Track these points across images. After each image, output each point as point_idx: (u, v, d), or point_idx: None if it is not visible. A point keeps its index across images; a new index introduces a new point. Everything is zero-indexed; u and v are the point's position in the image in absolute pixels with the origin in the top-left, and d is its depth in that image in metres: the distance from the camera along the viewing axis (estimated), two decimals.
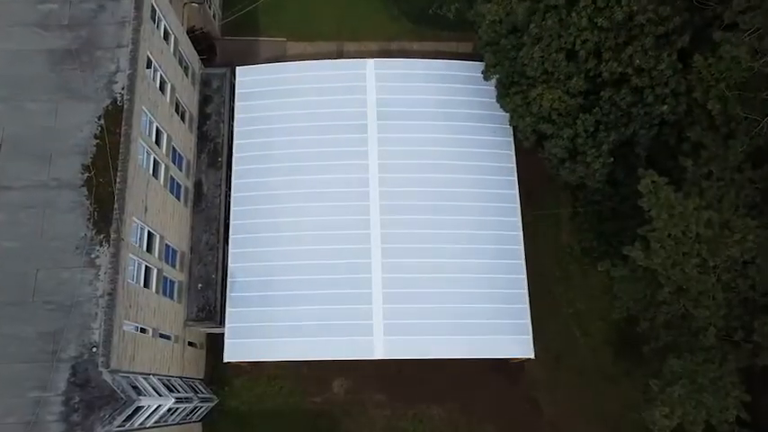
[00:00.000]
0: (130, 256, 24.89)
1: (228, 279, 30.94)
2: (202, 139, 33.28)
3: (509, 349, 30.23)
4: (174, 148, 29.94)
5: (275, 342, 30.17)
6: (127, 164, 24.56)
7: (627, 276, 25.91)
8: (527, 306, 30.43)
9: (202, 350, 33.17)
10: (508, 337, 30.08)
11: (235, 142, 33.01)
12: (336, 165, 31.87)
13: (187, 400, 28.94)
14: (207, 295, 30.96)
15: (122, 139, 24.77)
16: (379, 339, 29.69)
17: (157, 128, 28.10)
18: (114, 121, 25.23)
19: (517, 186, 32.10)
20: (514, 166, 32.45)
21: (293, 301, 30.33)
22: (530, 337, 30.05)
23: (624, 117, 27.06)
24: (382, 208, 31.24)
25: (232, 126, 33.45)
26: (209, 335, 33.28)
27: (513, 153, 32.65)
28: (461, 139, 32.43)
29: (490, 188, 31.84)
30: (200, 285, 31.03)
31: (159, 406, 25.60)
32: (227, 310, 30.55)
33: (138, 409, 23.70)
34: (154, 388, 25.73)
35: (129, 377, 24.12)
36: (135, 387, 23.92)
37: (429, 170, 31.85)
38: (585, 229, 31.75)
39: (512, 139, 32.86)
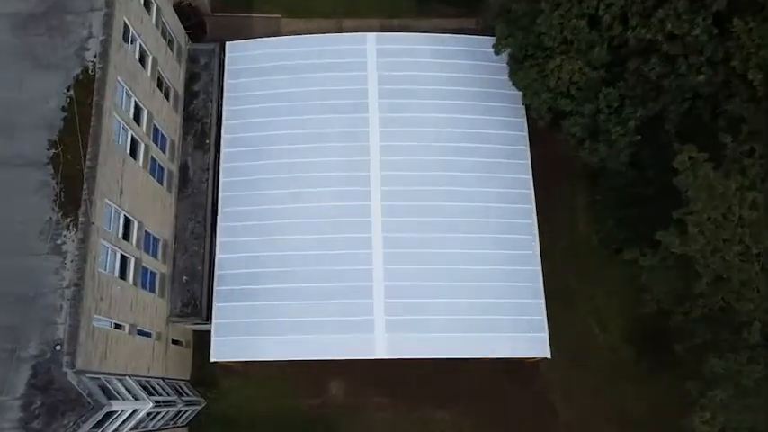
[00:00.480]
0: (102, 242, 21.98)
1: (216, 271, 27.94)
2: (189, 119, 30.34)
3: (523, 348, 27.26)
4: (155, 126, 27.01)
5: (267, 340, 27.19)
6: (98, 139, 21.63)
7: (658, 266, 23.01)
8: (542, 301, 27.51)
9: (189, 349, 30.22)
10: (522, 334, 27.11)
11: (224, 123, 30.05)
12: (334, 147, 28.90)
13: (169, 403, 26.01)
14: (192, 289, 28.02)
15: (93, 110, 21.85)
16: (381, 337, 26.75)
17: (136, 103, 25.16)
18: (85, 91, 22.27)
19: (531, 170, 29.27)
20: (528, 148, 29.58)
21: (287, 295, 27.33)
22: (545, 334, 27.10)
23: (653, 91, 24.18)
24: (384, 194, 28.29)
25: (221, 106, 30.54)
26: (195, 332, 30.31)
27: (526, 134, 29.72)
28: (469, 120, 29.47)
29: (501, 172, 28.89)
30: (184, 278, 28.11)
31: (135, 411, 22.66)
32: (215, 305, 27.54)
33: (110, 414, 20.74)
34: (129, 391, 22.82)
35: (99, 378, 21.20)
36: (106, 390, 21.03)
37: (434, 153, 28.93)
38: (605, 217, 28.77)
39: (524, 119, 29.95)
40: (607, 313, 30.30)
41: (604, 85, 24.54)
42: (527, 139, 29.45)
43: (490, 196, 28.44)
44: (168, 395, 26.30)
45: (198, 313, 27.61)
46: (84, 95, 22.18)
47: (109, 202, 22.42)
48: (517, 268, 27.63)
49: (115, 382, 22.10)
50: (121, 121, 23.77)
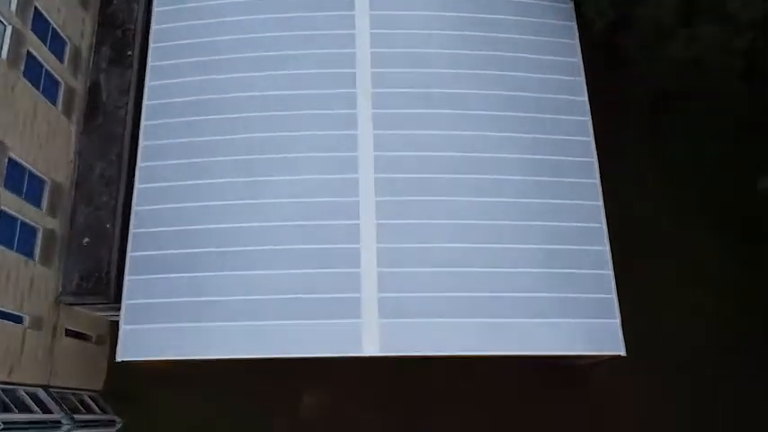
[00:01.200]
0: None
1: (132, 230, 18.70)
2: (106, 24, 21.03)
3: (583, 341, 17.59)
4: (40, 14, 17.77)
5: (205, 330, 17.53)
6: None
7: None
8: (611, 272, 18.10)
9: (102, 346, 20.67)
10: (582, 321, 17.55)
11: (153, 27, 20.74)
12: (307, 55, 19.66)
13: (45, 425, 16.54)
14: (98, 255, 18.58)
15: None
16: (372, 324, 17.29)
17: None
18: None
19: (586, 89, 20.04)
20: (580, 60, 20.30)
21: (234, 262, 17.97)
22: (617, 321, 17.67)
23: None
24: (376, 118, 18.89)
25: (151, 7, 21.46)
26: (113, 323, 20.98)
27: (576, 42, 20.48)
28: (494, 21, 20.34)
29: (546, 91, 19.56)
30: (86, 240, 18.70)
31: None
32: (127, 278, 18.25)
33: None
34: None
35: None
36: None
37: (446, 63, 19.62)
38: (695, 149, 19.62)
39: (574, 23, 20.87)
40: (690, 291, 20.90)
41: None
42: (578, 46, 20.19)
43: (532, 123, 19.09)
44: (50, 412, 16.85)
45: (102, 290, 18.11)
46: None
47: None
48: (574, 225, 18.16)
49: None
50: None
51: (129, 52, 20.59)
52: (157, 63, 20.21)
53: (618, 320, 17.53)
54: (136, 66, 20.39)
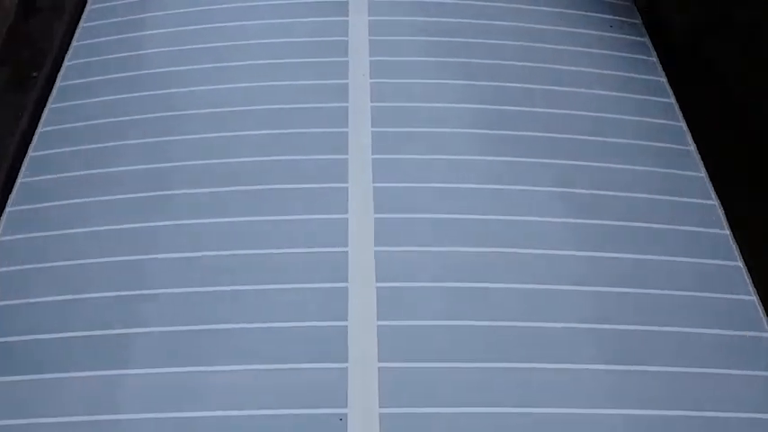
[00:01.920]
0: None
1: None
2: (14, 42, 15.92)
3: None
4: None
5: None
6: None
7: None
8: None
9: None
10: None
11: (74, 44, 15.15)
12: (256, 66, 13.57)
13: None
14: None
15: None
16: None
17: None
18: None
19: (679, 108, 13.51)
20: (665, 79, 14.10)
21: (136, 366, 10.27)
22: None
23: None
24: (375, 112, 12.30)
25: (77, 24, 15.95)
26: None
27: (655, 59, 14.46)
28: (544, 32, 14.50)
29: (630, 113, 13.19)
30: None
31: None
32: None
33: None
34: None
35: None
36: None
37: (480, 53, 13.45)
38: None
39: (647, 38, 15.01)
40: None
41: None
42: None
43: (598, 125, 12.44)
44: None
45: None
46: None
47: None
48: (700, 296, 10.53)
49: None
50: None
51: (35, 73, 14.88)
52: (68, 83, 14.19)
53: None
54: (38, 90, 14.45)
